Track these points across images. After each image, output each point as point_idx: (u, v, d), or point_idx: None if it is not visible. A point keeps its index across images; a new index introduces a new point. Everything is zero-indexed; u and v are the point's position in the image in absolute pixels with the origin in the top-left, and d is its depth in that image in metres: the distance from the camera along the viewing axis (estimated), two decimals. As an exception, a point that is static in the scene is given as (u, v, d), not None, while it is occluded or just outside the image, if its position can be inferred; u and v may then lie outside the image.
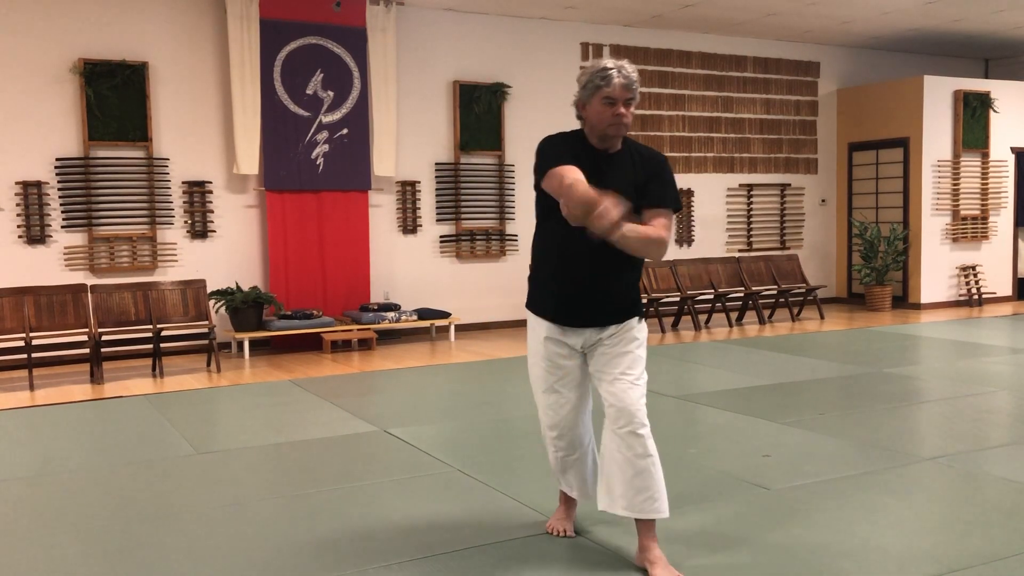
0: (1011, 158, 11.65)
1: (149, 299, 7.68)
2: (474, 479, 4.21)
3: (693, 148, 10.90)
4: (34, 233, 7.83)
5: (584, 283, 3.11)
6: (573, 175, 2.83)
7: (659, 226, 3.01)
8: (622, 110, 3.00)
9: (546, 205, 3.09)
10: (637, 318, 3.20)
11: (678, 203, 3.15)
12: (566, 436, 3.30)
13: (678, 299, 9.80)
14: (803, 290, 10.47)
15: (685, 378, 6.98)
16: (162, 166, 8.23)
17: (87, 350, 7.40)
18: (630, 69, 3.02)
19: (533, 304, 3.28)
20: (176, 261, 8.33)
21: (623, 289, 3.16)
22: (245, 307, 8.11)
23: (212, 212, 8.47)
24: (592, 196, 2.72)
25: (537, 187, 3.08)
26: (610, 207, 2.70)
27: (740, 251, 11.23)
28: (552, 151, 3.04)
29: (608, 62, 3.02)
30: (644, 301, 9.61)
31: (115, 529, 3.67)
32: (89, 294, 7.51)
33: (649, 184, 3.07)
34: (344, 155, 8.84)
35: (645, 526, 3.12)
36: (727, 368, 7.16)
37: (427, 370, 7.43)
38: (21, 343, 7.09)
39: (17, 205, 7.77)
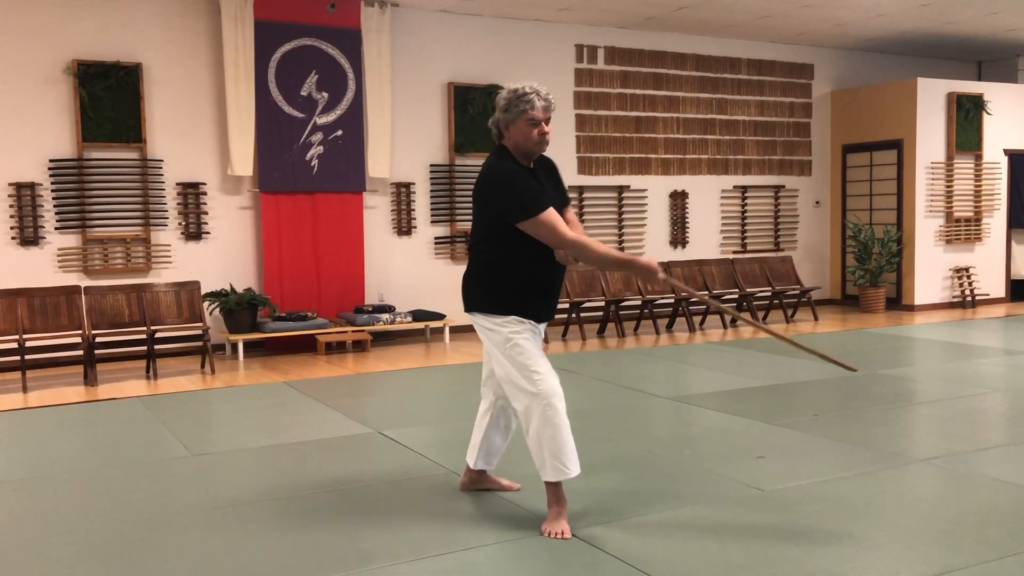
0: (1004, 160, 11.69)
1: (143, 301, 7.66)
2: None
3: (687, 150, 10.92)
4: (27, 234, 7.81)
5: (553, 289, 3.62)
6: (586, 241, 3.44)
7: (576, 220, 3.64)
8: (546, 128, 3.48)
9: (520, 233, 3.42)
10: None
11: None
12: (563, 395, 3.53)
13: (673, 301, 9.82)
14: (797, 292, 10.49)
15: (679, 380, 6.99)
16: (156, 167, 8.22)
17: (81, 352, 7.38)
18: (545, 91, 3.50)
19: (506, 307, 3.51)
20: (170, 263, 8.32)
21: None
22: (239, 309, 8.10)
23: (206, 214, 8.46)
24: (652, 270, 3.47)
25: (514, 221, 3.38)
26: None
27: (734, 253, 11.25)
28: (528, 192, 3.39)
29: (527, 86, 3.47)
30: (639, 302, 9.65)
31: (109, 531, 3.66)
32: (83, 296, 7.49)
33: (560, 186, 3.68)
34: (338, 157, 8.83)
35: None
36: (721, 369, 7.17)
37: (422, 372, 7.43)
38: (14, 345, 7.07)
39: (10, 207, 7.75)
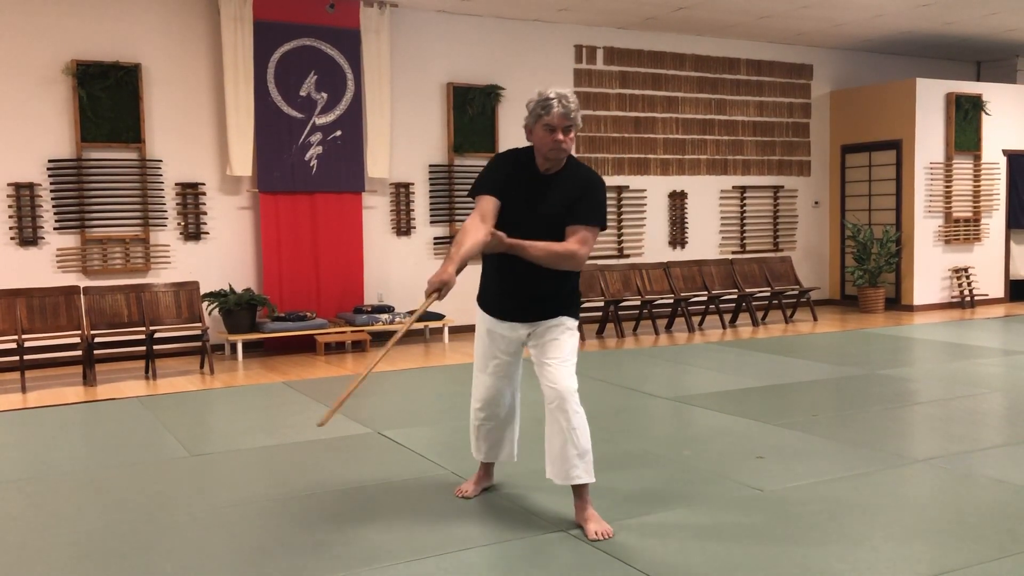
0: (1003, 160, 11.69)
1: (142, 301, 7.66)
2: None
3: (686, 150, 10.92)
4: (26, 235, 7.80)
5: (515, 288, 3.56)
6: (472, 222, 3.35)
7: (573, 241, 3.43)
8: (560, 136, 3.40)
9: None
10: (568, 317, 3.60)
11: (602, 222, 3.52)
12: (486, 410, 3.81)
13: (672, 301, 9.82)
14: (796, 292, 10.49)
15: (678, 380, 6.98)
16: (155, 168, 8.22)
17: (80, 352, 7.38)
18: (570, 99, 3.40)
19: (481, 301, 3.75)
20: (169, 263, 8.32)
21: (549, 295, 3.55)
22: (238, 309, 8.09)
23: (205, 214, 8.46)
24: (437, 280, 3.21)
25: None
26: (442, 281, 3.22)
27: (733, 253, 11.25)
28: (485, 176, 3.53)
29: (551, 92, 3.41)
30: (637, 303, 9.65)
31: (108, 531, 3.66)
32: (82, 296, 7.49)
33: (577, 203, 3.46)
34: (338, 157, 8.83)
35: (577, 490, 3.54)
36: (720, 370, 7.17)
37: (421, 372, 7.43)
38: (13, 345, 7.07)
39: (9, 207, 7.75)
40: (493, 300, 3.67)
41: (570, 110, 3.39)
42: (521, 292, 3.56)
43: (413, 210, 9.39)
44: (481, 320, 3.73)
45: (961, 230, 11.41)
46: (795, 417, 5.39)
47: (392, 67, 9.11)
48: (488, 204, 3.43)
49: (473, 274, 3.79)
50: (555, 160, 3.47)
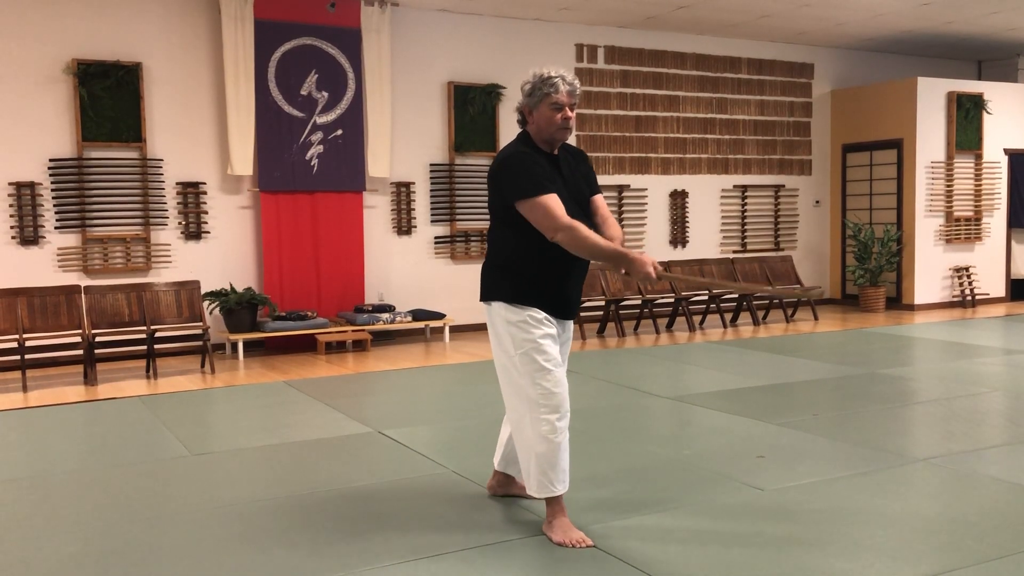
0: (1004, 159, 11.68)
1: (143, 300, 7.66)
2: (468, 480, 4.21)
3: (687, 149, 10.92)
4: (27, 234, 7.81)
5: (570, 281, 3.48)
6: (579, 227, 3.26)
7: (610, 216, 3.60)
8: (569, 114, 3.40)
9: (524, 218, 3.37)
10: None
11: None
12: (567, 414, 3.41)
13: (673, 300, 9.82)
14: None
15: (679, 379, 6.99)
16: (156, 167, 8.22)
17: (81, 351, 7.39)
18: (571, 77, 3.43)
19: (525, 298, 3.39)
20: (170, 262, 8.32)
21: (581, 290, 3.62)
22: (239, 308, 8.10)
23: (206, 213, 8.46)
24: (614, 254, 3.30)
25: (512, 202, 3.34)
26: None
27: (734, 252, 11.25)
28: (530, 174, 3.32)
29: (552, 71, 3.39)
30: (638, 302, 9.65)
31: (109, 530, 3.66)
32: (83, 295, 7.49)
33: (590, 174, 3.61)
34: (338, 156, 8.83)
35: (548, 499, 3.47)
36: (721, 369, 7.17)
37: (422, 371, 7.43)
38: (14, 344, 7.07)
39: (10, 206, 7.75)
40: (553, 293, 3.42)
41: (575, 87, 3.41)
42: (572, 288, 3.51)
43: (414, 209, 9.39)
44: (527, 319, 3.37)
45: (962, 229, 11.40)
46: (795, 416, 5.39)
47: (393, 66, 9.12)
48: (559, 201, 3.31)
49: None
50: (560, 140, 3.43)
